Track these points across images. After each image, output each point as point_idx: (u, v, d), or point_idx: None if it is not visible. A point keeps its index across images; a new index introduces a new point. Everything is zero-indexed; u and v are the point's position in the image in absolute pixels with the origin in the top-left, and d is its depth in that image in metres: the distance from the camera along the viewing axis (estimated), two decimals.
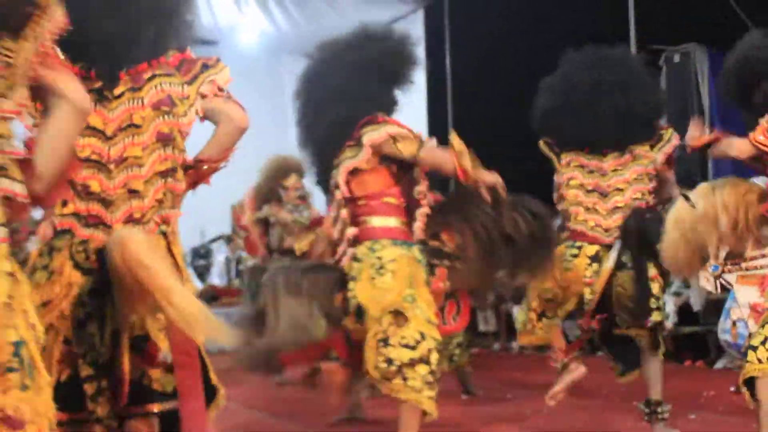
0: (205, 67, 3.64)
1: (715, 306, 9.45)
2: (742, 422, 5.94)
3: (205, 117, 3.61)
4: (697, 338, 9.85)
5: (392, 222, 4.78)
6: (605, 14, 11.27)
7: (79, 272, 3.37)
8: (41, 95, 2.77)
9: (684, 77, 11.86)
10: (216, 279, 14.09)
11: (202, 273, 14.71)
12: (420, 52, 14.87)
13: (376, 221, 4.77)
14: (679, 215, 4.45)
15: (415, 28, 14.60)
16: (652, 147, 5.74)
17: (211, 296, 13.02)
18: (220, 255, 14.50)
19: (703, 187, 4.53)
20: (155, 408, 3.42)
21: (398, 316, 4.57)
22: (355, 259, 4.73)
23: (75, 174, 3.22)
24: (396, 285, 4.60)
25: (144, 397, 3.40)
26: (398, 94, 5.09)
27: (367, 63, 4.97)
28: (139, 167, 3.45)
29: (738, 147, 4.21)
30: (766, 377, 3.97)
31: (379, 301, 4.60)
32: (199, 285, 13.45)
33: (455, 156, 4.68)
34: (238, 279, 13.67)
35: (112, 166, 3.42)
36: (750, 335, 4.17)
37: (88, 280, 3.35)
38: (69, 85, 2.79)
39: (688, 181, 10.75)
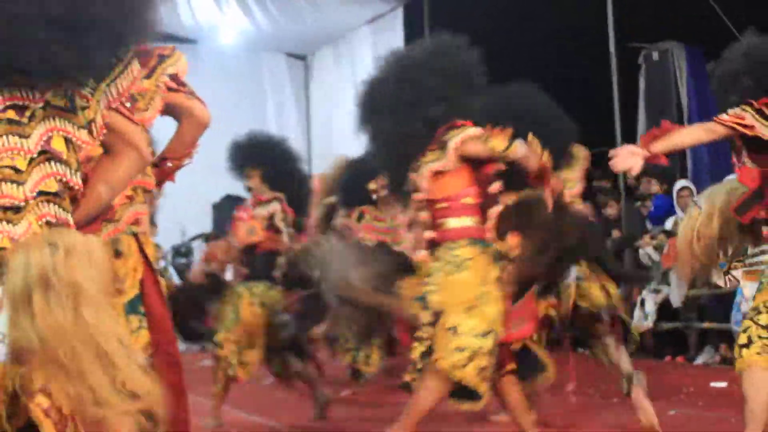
0: (162, 58, 3.58)
1: (694, 302, 9.51)
2: (721, 417, 5.98)
3: (166, 113, 3.56)
4: (676, 334, 9.89)
5: (468, 221, 4.92)
6: (584, 13, 11.30)
7: None
8: (105, 137, 2.86)
9: (663, 75, 11.91)
10: None
11: (183, 271, 14.67)
12: None
13: (453, 222, 4.91)
14: (689, 218, 4.56)
15: (394, 27, 14.62)
16: (569, 166, 5.95)
17: None
18: (200, 254, 14.46)
19: (708, 190, 4.65)
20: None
21: (470, 309, 4.71)
22: (434, 258, 4.89)
23: None
24: (472, 281, 4.76)
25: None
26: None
27: (458, 70, 5.11)
28: None
29: (707, 127, 4.23)
30: (744, 371, 4.03)
31: (454, 296, 4.74)
32: (179, 283, 13.40)
33: (539, 152, 4.90)
34: None
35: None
36: None
37: None
38: (141, 138, 2.95)
39: (667, 178, 10.84)
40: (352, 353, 8.08)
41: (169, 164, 3.60)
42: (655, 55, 12.04)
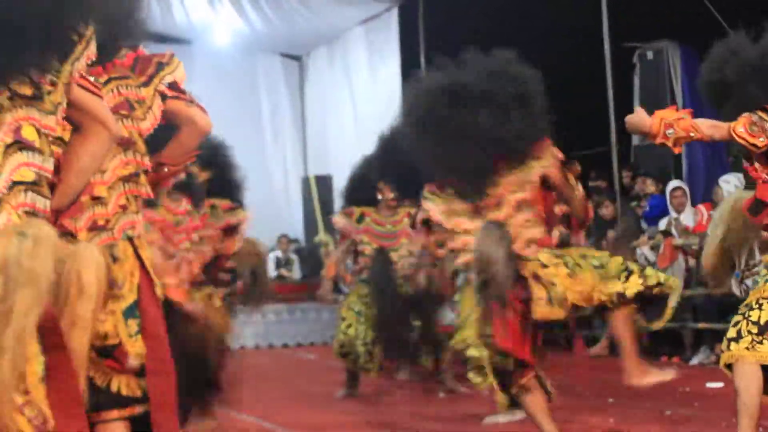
0: (161, 65, 3.54)
1: (689, 303, 9.50)
2: (717, 418, 5.98)
3: (166, 119, 3.52)
4: (672, 334, 9.88)
5: (543, 232, 5.14)
6: (579, 12, 11.28)
7: None
8: (72, 115, 2.84)
9: (657, 74, 11.92)
10: None
11: None
12: (395, 51, 14.87)
13: (537, 231, 5.11)
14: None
15: (389, 27, 14.61)
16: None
17: None
18: None
19: (723, 201, 4.79)
20: (126, 413, 3.37)
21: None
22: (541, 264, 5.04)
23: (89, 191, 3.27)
24: (591, 278, 4.97)
25: (113, 402, 3.35)
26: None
27: (533, 88, 5.22)
28: (101, 173, 3.35)
29: (715, 124, 4.21)
30: (734, 365, 4.05)
31: (586, 291, 4.95)
32: None
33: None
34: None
35: None
36: None
37: None
38: (107, 113, 2.91)
39: (662, 178, 10.84)
40: (352, 355, 7.89)
41: (166, 170, 3.58)
42: (650, 55, 12.04)
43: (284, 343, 13.27)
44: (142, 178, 3.46)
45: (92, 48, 2.77)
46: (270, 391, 8.63)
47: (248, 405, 7.45)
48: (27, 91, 2.60)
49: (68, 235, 3.31)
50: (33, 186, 2.60)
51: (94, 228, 3.34)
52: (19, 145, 2.57)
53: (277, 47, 16.60)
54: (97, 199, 3.35)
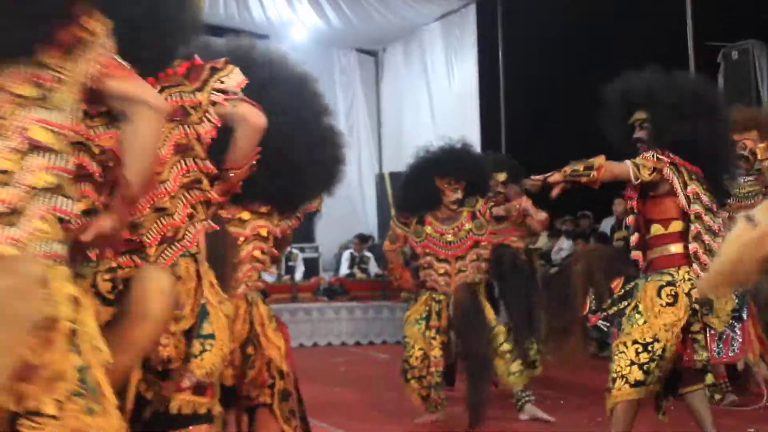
0: (214, 70, 3.44)
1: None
2: None
3: (223, 123, 3.43)
4: None
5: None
6: (662, 12, 11.09)
7: (99, 302, 3.09)
8: (114, 107, 2.77)
9: (742, 74, 11.70)
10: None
11: None
12: (472, 47, 14.74)
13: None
14: (737, 233, 4.41)
15: (466, 23, 14.51)
16: None
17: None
18: None
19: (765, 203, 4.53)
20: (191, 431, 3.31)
21: None
22: None
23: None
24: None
25: (173, 422, 3.28)
26: None
27: None
28: (162, 183, 3.26)
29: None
30: None
31: None
32: None
33: None
34: (288, 275, 13.61)
35: None
36: None
37: (107, 312, 3.08)
38: (143, 89, 2.77)
39: None
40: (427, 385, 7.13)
41: (231, 174, 3.50)
42: (735, 54, 11.83)
43: (356, 341, 13.21)
44: (205, 183, 3.38)
45: (108, 45, 2.63)
46: (342, 393, 8.54)
47: (320, 409, 7.34)
48: (28, 91, 2.48)
49: (138, 249, 3.23)
50: (56, 189, 2.50)
51: (164, 240, 3.26)
52: (34, 148, 2.48)
53: (353, 42, 16.58)
54: (161, 210, 3.27)
